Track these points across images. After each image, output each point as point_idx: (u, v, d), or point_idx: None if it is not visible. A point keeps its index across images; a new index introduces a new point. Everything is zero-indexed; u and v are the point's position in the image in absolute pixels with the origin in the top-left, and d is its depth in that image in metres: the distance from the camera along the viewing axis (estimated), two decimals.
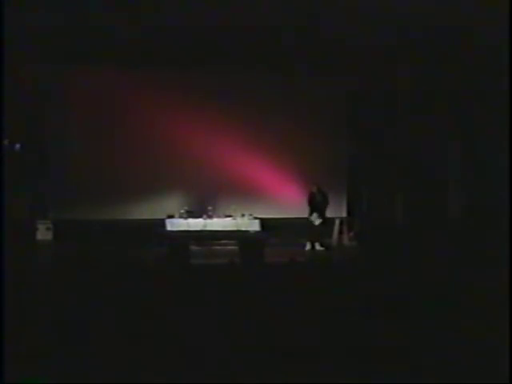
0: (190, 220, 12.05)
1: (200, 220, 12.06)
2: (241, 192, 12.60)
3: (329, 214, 11.89)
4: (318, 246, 11.51)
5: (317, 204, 11.66)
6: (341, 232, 12.23)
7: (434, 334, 4.52)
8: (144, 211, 12.45)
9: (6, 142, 9.93)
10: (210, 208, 12.27)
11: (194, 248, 10.68)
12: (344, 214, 12.87)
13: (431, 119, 11.45)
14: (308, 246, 11.49)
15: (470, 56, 10.32)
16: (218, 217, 12.28)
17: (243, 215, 12.30)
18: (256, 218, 12.26)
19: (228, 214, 12.37)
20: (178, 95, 12.58)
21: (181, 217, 12.12)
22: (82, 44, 11.14)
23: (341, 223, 12.27)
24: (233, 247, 10.91)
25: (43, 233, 11.77)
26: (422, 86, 11.58)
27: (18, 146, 10.72)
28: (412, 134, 11.90)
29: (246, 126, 12.76)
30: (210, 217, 12.18)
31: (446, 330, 4.61)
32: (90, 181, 12.28)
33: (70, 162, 12.32)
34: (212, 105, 12.57)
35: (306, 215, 11.68)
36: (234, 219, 12.22)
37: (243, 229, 12.00)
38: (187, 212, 12.19)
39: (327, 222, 11.79)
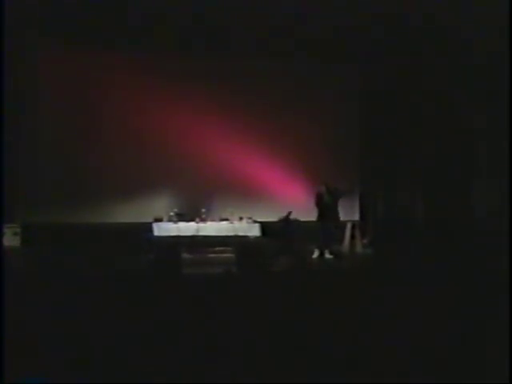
0: (181, 224, 11.76)
1: (192, 224, 11.77)
2: (239, 192, 12.32)
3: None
4: (327, 254, 11.03)
5: (325, 206, 11.18)
6: (353, 237, 11.82)
7: (434, 333, 4.61)
8: (128, 214, 12.11)
9: None
10: (203, 210, 11.94)
11: (185, 256, 10.10)
12: (356, 218, 12.52)
13: (455, 113, 11.29)
14: (316, 254, 11.04)
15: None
16: (213, 220, 11.99)
17: (241, 218, 12.00)
18: (256, 222, 11.95)
19: (224, 217, 12.08)
20: (168, 82, 12.25)
21: (170, 220, 11.83)
22: (56, 23, 10.86)
23: (353, 227, 11.84)
24: (229, 255, 10.44)
25: (10, 238, 11.27)
26: (444, 76, 11.46)
27: None
28: (433, 130, 11.69)
29: (245, 119, 12.47)
30: (203, 220, 11.85)
31: (447, 330, 4.69)
32: (65, 178, 11.91)
33: (42, 155, 11.88)
34: (208, 94, 12.28)
35: (312, 218, 11.21)
36: (231, 223, 11.93)
37: (241, 234, 11.70)
38: (177, 215, 11.87)
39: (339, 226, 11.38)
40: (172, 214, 11.89)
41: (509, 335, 4.39)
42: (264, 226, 11.91)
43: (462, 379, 3.96)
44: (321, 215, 11.29)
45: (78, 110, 12.15)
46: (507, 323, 4.61)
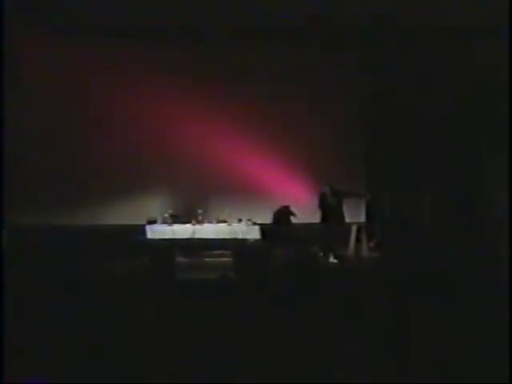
0: (176, 226, 11.63)
1: (188, 226, 11.64)
2: (237, 192, 12.15)
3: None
4: (331, 258, 11.07)
5: (329, 207, 11.19)
6: (358, 240, 11.81)
7: (434, 333, 4.83)
8: (119, 215, 11.98)
9: None
10: (200, 211, 11.80)
11: (180, 260, 10.64)
12: (362, 219, 12.32)
13: (466, 111, 11.20)
14: None
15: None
16: (210, 222, 11.86)
17: (240, 220, 11.83)
18: (256, 224, 11.78)
19: (222, 218, 11.90)
20: (164, 77, 12.07)
21: (164, 222, 11.69)
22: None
23: (358, 230, 11.81)
24: (227, 259, 10.68)
25: None
26: (454, 73, 11.38)
27: None
28: (444, 128, 11.57)
29: (245, 115, 12.28)
30: (200, 222, 11.73)
31: (447, 330, 4.92)
32: (53, 178, 11.79)
33: (26, 152, 11.67)
34: (206, 91, 12.12)
35: (316, 220, 11.29)
36: (230, 225, 11.78)
37: (240, 237, 11.62)
38: (172, 216, 11.74)
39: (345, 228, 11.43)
40: (166, 215, 11.78)
41: (509, 335, 4.59)
42: (264, 229, 11.74)
43: (462, 379, 4.14)
44: (324, 217, 11.27)
45: (66, 107, 12.00)
46: (507, 323, 4.86)
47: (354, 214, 12.01)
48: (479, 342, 4.71)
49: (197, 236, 11.57)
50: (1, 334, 4.61)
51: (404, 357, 4.48)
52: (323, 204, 11.28)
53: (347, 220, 11.48)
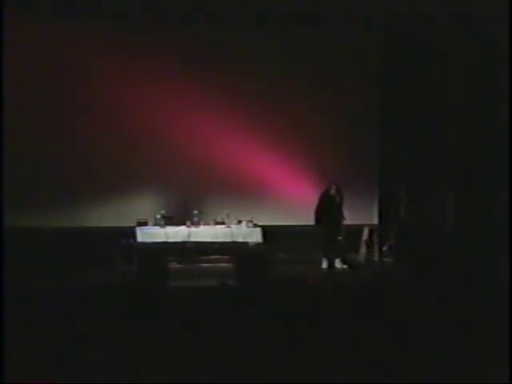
0: (169, 228, 11.51)
1: (182, 228, 11.54)
2: (237, 191, 12.10)
3: (355, 220, 11.40)
4: (338, 264, 11.11)
5: (333, 208, 11.24)
6: (370, 245, 11.80)
7: (434, 333, 5.08)
8: (107, 216, 11.85)
9: None
10: (195, 212, 11.66)
11: (173, 266, 10.66)
12: (375, 221, 12.32)
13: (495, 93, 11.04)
14: (324, 264, 11.12)
15: None
16: (207, 224, 11.77)
17: (240, 222, 11.74)
18: (257, 226, 11.73)
19: (220, 220, 11.80)
20: (152, 59, 11.92)
21: (156, 224, 11.57)
22: None
23: (370, 233, 11.76)
24: (226, 264, 10.79)
25: None
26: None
27: None
28: (471, 116, 11.48)
29: (246, 106, 12.21)
30: (195, 224, 11.63)
31: (447, 330, 5.17)
32: (35, 176, 11.67)
33: (11, 154, 10.93)
34: (203, 77, 12.01)
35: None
36: (228, 227, 11.67)
37: (240, 240, 11.57)
38: (165, 218, 11.60)
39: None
40: (158, 216, 11.63)
41: (509, 335, 4.82)
42: (267, 231, 11.69)
43: (463, 379, 4.40)
44: (325, 218, 11.27)
45: (50, 102, 11.89)
46: (507, 323, 5.06)
47: (365, 215, 12.03)
48: (479, 341, 4.92)
49: (192, 239, 11.46)
50: (1, 333, 4.77)
51: (404, 357, 4.63)
52: (326, 204, 11.26)
53: (358, 221, 11.57)
